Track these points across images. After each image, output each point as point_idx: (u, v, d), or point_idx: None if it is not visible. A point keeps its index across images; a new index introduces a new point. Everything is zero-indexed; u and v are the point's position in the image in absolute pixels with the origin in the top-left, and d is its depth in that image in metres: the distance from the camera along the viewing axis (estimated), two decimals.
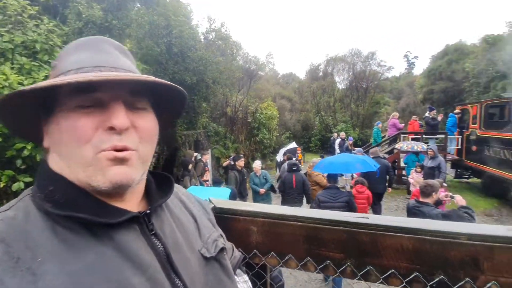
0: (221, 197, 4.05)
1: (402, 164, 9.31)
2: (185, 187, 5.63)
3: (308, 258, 1.01)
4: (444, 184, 5.15)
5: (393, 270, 0.92)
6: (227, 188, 5.23)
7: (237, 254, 0.82)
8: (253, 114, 14.01)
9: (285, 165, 6.51)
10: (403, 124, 11.97)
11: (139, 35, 5.13)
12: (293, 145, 12.38)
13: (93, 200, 0.48)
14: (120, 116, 0.46)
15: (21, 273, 0.38)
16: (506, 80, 10.82)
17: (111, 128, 0.46)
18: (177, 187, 0.70)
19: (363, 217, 1.01)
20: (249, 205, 1.14)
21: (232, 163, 6.61)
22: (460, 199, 2.96)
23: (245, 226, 1.07)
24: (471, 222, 2.69)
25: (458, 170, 10.06)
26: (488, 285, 0.83)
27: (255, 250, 1.07)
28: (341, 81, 23.08)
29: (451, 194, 3.10)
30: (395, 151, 9.63)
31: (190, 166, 5.99)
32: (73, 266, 0.41)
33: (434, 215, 2.78)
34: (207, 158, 7.76)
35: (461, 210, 2.73)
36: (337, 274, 1.00)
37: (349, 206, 4.15)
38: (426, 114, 10.77)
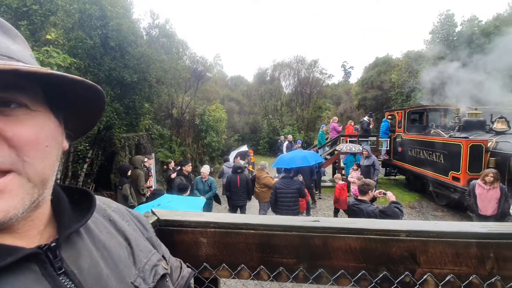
0: (194, 207, 3.80)
1: (342, 164, 10.13)
2: (125, 196, 5.14)
3: (261, 266, 0.98)
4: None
5: (342, 270, 0.94)
6: (201, 198, 5.20)
7: (186, 273, 0.71)
8: (200, 116, 13.65)
9: (223, 168, 7.26)
10: (341, 127, 13.30)
11: (67, 24, 4.45)
12: (244, 148, 12.43)
13: None
14: None
15: None
16: (424, 90, 12.75)
17: None
18: (105, 203, 0.58)
19: (314, 221, 1.02)
20: (198, 215, 1.05)
21: (173, 171, 6.36)
22: (391, 195, 3.31)
23: (193, 238, 0.99)
24: (402, 216, 3.03)
25: (387, 168, 11.40)
26: (425, 277, 0.90)
27: (205, 264, 0.99)
28: (287, 86, 24.12)
29: (384, 191, 3.46)
30: (336, 152, 10.42)
31: (129, 172, 5.46)
32: None
33: (371, 211, 3.04)
34: (151, 163, 7.22)
35: (392, 205, 3.05)
36: (290, 279, 0.98)
37: (300, 193, 5.01)
38: (365, 119, 12.06)
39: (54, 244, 0.41)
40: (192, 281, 1.04)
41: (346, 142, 10.76)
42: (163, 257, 0.60)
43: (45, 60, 3.46)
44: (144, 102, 7.27)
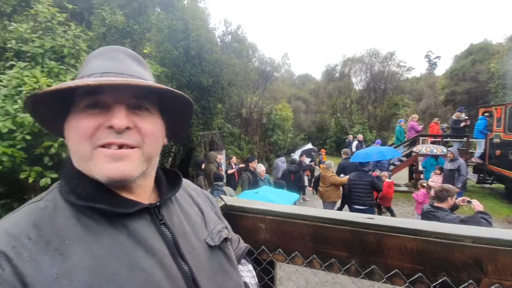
0: (287, 200, 4.21)
1: (420, 167, 9.04)
2: (200, 186, 5.82)
3: (314, 255, 1.04)
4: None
5: (396, 270, 0.94)
6: (295, 193, 5.67)
7: (243, 245, 0.87)
8: (267, 115, 14.05)
9: (278, 162, 8.24)
10: (421, 126, 11.44)
11: (158, 39, 5.33)
12: (308, 146, 12.35)
13: (109, 193, 0.54)
14: (119, 117, 0.52)
15: (52, 253, 0.45)
16: None
17: (111, 127, 0.51)
18: (187, 183, 0.77)
19: (368, 218, 1.04)
20: (258, 204, 1.19)
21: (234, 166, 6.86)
22: (477, 204, 2.87)
23: (253, 224, 1.13)
24: None
25: (481, 175, 9.63)
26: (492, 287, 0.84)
27: (263, 247, 1.11)
28: (358, 82, 22.65)
29: (468, 199, 3.01)
30: (413, 154, 9.36)
31: (203, 166, 6.15)
32: (95, 249, 0.48)
33: (449, 221, 2.71)
34: (221, 158, 7.88)
35: (478, 215, 2.66)
36: (342, 272, 1.03)
37: (373, 186, 5.25)
38: (453, 116, 10.29)
39: (158, 203, 0.59)
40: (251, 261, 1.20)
41: (427, 143, 9.54)
42: (226, 228, 0.76)
43: None
44: (217, 103, 7.97)
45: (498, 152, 8.43)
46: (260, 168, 6.45)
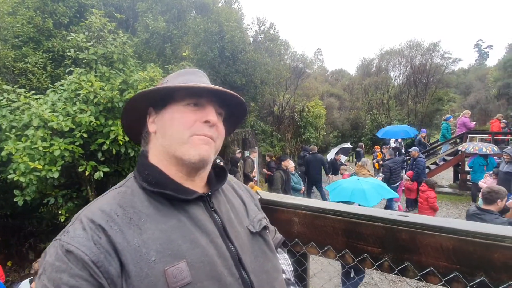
0: (380, 192, 4.21)
1: (466, 167, 8.33)
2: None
3: (346, 250, 1.07)
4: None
5: (431, 268, 0.94)
6: (389, 190, 5.28)
7: (279, 236, 0.95)
8: (300, 113, 13.93)
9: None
10: (474, 123, 10.40)
11: (195, 41, 5.63)
12: (347, 145, 11.99)
13: (174, 183, 0.66)
14: (213, 115, 0.69)
15: (133, 227, 0.57)
16: None
17: (206, 122, 0.67)
18: (230, 177, 0.88)
19: (402, 215, 1.04)
20: (291, 198, 1.25)
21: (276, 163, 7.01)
22: None
23: (288, 217, 1.19)
24: None
25: None
26: None
27: (296, 239, 1.17)
28: (396, 77, 21.34)
29: None
30: (460, 152, 8.65)
31: (238, 164, 6.37)
32: (163, 226, 0.60)
33: (499, 225, 2.52)
34: (255, 155, 8.04)
35: None
36: (374, 267, 1.05)
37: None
38: None
39: (209, 193, 0.71)
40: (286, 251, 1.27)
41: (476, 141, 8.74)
42: (265, 218, 0.85)
43: None
44: (250, 101, 8.12)
45: None
46: (290, 164, 6.57)
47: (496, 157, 6.91)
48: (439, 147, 10.68)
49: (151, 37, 5.52)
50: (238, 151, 7.30)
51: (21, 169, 3.07)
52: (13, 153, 3.10)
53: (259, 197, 1.24)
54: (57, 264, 0.52)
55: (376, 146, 10.41)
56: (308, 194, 8.21)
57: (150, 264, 0.54)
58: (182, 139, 0.66)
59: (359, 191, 4.15)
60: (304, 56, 14.43)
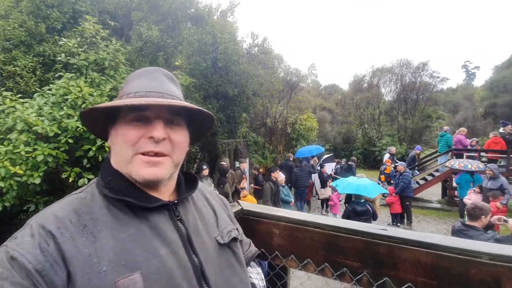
0: (371, 189, 5.14)
1: (454, 183, 8.47)
2: (226, 193, 5.99)
3: (326, 264, 1.05)
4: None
5: (409, 283, 0.93)
6: (380, 187, 6.36)
7: (253, 249, 0.91)
8: (292, 125, 14.03)
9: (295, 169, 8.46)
10: (470, 141, 10.17)
11: (188, 51, 5.67)
12: (329, 155, 12.32)
13: (136, 189, 0.64)
14: (158, 130, 0.62)
15: (86, 235, 0.55)
16: None
17: (151, 138, 0.62)
18: (203, 186, 0.85)
19: (381, 229, 1.04)
20: (273, 210, 1.23)
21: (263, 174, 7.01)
22: None
23: (268, 228, 1.17)
24: None
25: None
26: None
27: (276, 252, 1.15)
28: (387, 93, 21.82)
29: (505, 218, 2.79)
30: (445, 169, 8.81)
31: (227, 174, 6.31)
32: (120, 234, 0.57)
33: (483, 241, 2.54)
34: (245, 166, 8.00)
35: None
36: (354, 282, 1.03)
37: None
38: (501, 130, 9.47)
39: (175, 202, 0.68)
40: (266, 265, 1.24)
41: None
42: (237, 229, 0.82)
43: None
44: (242, 112, 8.17)
45: None
46: (280, 176, 6.52)
47: (482, 174, 7.05)
48: (428, 162, 10.83)
49: (144, 45, 5.54)
50: (222, 162, 7.25)
51: (1, 174, 2.98)
52: None
53: (240, 208, 1.22)
54: (0, 270, 0.49)
55: (387, 160, 10.00)
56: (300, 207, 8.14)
57: (101, 275, 0.52)
58: (126, 158, 0.63)
59: (362, 186, 5.15)
60: (297, 70, 14.69)
